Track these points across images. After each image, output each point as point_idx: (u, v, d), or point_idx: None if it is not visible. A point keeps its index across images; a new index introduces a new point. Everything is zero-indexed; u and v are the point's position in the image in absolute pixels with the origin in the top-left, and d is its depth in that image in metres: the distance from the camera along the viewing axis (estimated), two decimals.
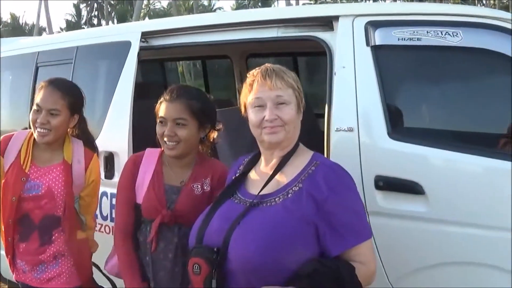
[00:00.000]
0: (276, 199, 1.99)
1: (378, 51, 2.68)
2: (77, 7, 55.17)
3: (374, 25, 2.69)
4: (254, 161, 2.22)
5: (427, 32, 2.56)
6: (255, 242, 1.85)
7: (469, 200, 2.44)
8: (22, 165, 2.75)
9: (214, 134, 2.58)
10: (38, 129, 2.70)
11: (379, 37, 2.67)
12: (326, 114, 2.79)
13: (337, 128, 2.72)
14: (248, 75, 2.13)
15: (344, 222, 1.91)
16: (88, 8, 55.59)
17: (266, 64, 2.10)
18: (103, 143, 3.53)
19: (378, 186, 2.61)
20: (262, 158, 2.17)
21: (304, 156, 2.09)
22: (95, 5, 53.87)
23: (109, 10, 48.24)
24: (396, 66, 2.77)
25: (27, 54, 4.38)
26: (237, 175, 2.23)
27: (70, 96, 2.78)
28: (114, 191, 2.69)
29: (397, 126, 2.67)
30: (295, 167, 2.05)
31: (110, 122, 3.60)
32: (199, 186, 2.46)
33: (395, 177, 2.57)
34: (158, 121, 2.43)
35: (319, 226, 1.90)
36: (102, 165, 3.46)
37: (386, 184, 2.60)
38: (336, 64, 2.78)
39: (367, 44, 2.70)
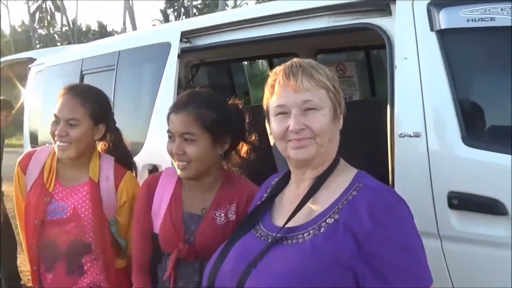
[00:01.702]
0: (305, 235, 1.54)
1: (445, 37, 2.19)
2: (164, 12, 56.40)
3: (438, 5, 2.20)
4: (285, 182, 1.78)
5: (502, 9, 2.06)
6: None
7: None
8: (46, 184, 2.46)
9: (245, 148, 2.16)
10: (58, 143, 2.40)
11: (445, 20, 2.17)
12: (388, 116, 2.34)
13: (401, 133, 2.27)
14: (270, 73, 1.70)
15: (393, 264, 1.43)
16: (175, 13, 56.73)
17: (294, 59, 1.66)
18: (147, 155, 3.30)
19: (452, 205, 2.13)
20: (292, 178, 1.73)
21: (345, 177, 1.63)
22: (182, 9, 54.92)
23: (196, 14, 48.99)
24: (467, 54, 2.28)
25: (73, 61, 4.30)
26: (263, 199, 1.80)
27: (91, 103, 2.44)
28: None
29: (473, 130, 2.18)
30: (332, 191, 1.60)
31: (153, 131, 3.32)
32: (222, 214, 2.05)
33: (473, 193, 2.09)
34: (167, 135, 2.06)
35: (359, 270, 1.45)
36: None
37: (462, 202, 2.11)
38: (397, 55, 2.32)
39: (431, 28, 2.21)
